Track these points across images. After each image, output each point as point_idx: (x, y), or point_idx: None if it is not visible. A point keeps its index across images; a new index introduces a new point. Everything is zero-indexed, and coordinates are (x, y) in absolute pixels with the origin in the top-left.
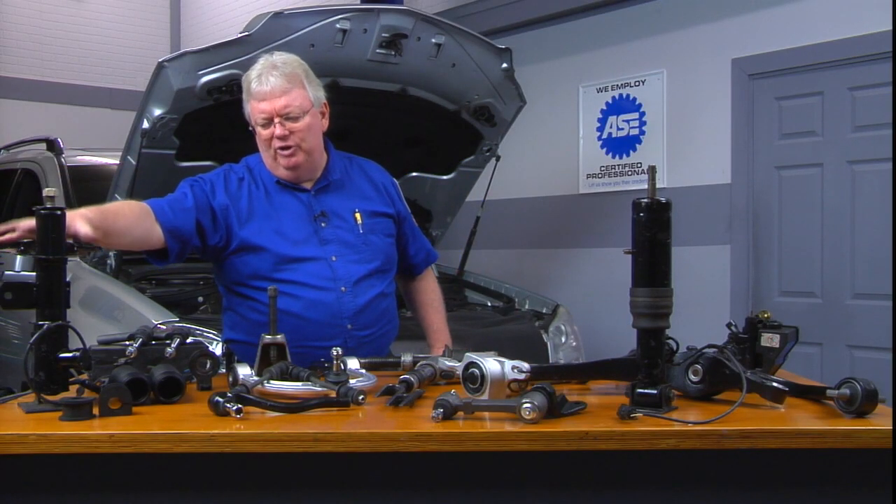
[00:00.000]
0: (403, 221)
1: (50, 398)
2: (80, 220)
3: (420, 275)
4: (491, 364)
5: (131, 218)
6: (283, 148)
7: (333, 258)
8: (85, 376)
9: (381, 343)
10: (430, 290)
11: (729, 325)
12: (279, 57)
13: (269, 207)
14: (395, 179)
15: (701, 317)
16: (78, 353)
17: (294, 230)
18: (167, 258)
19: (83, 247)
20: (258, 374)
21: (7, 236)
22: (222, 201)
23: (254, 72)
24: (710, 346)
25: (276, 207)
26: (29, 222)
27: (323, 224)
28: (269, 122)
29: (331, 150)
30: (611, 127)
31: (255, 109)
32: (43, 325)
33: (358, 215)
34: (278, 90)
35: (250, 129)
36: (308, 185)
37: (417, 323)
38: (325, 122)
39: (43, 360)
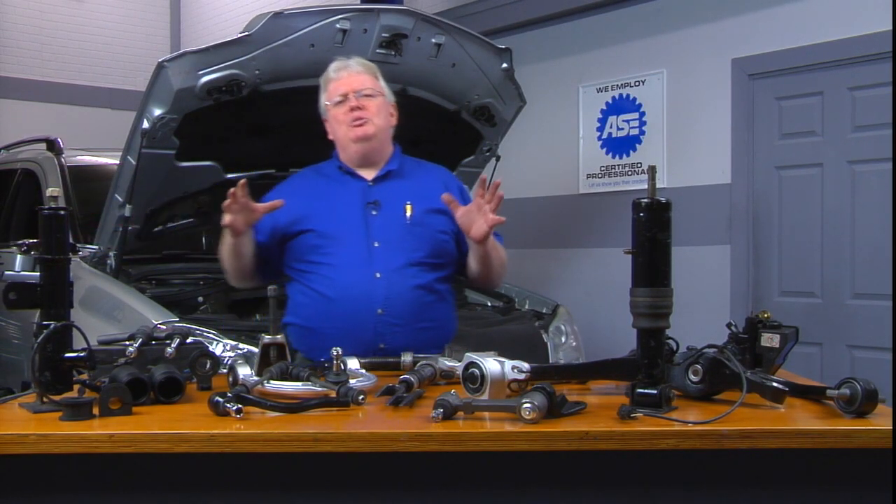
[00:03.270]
0: None
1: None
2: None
3: None
4: (491, 364)
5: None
6: (356, 120)
7: (376, 244)
8: (85, 376)
9: (421, 339)
10: (498, 248)
11: (729, 325)
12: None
13: (322, 189)
14: (464, 185)
15: (701, 317)
16: (84, 353)
17: (340, 213)
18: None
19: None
20: (258, 374)
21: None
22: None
23: (332, 65)
24: (710, 346)
25: (328, 190)
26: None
27: (374, 212)
28: (344, 99)
29: (396, 148)
30: (611, 127)
31: (332, 91)
32: (49, 324)
33: (408, 207)
34: (355, 72)
35: (323, 118)
36: (367, 175)
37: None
38: (394, 121)
39: (48, 360)
